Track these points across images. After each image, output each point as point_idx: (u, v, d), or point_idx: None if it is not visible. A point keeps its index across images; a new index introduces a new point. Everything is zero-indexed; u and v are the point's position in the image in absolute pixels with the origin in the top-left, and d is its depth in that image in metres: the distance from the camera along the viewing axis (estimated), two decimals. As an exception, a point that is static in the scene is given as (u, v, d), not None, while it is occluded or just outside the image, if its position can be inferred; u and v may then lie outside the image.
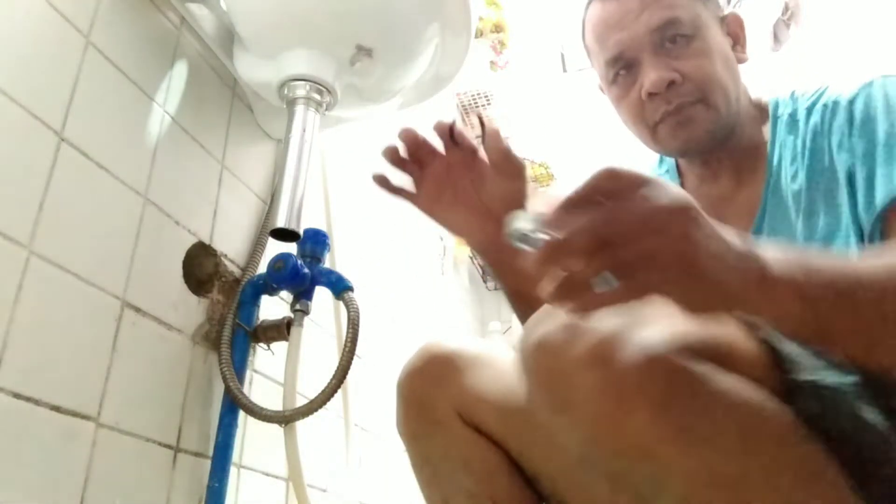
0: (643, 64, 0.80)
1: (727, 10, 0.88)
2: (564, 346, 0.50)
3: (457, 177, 0.73)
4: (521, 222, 0.47)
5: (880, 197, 0.67)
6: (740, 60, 0.85)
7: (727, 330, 0.52)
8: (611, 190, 0.44)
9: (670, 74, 0.78)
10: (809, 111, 0.78)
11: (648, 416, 0.47)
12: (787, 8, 2.36)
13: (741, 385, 0.49)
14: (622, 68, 0.82)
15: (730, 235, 0.48)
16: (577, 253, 0.43)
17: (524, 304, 0.76)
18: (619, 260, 0.44)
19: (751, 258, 0.48)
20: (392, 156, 0.71)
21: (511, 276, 0.76)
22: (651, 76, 0.78)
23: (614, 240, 0.43)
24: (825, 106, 0.77)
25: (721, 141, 0.81)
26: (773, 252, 0.49)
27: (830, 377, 0.51)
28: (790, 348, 0.52)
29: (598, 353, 0.48)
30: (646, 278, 0.44)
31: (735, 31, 0.86)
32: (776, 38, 2.38)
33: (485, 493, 0.73)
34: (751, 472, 0.46)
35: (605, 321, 0.49)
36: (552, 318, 0.52)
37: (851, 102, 0.74)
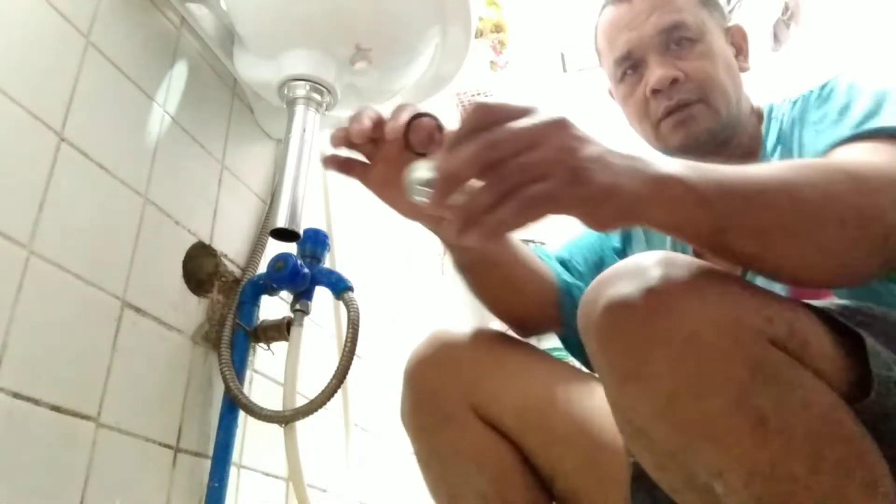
0: (649, 63, 0.84)
1: (731, 20, 0.91)
2: (643, 315, 0.49)
3: (409, 160, 0.68)
4: (416, 173, 0.50)
5: (821, 147, 0.67)
6: (742, 69, 0.88)
7: (806, 316, 0.52)
8: (486, 122, 0.46)
9: (674, 73, 0.81)
10: (794, 105, 0.81)
11: (728, 401, 0.46)
12: (787, 8, 2.35)
13: (817, 384, 0.49)
14: (629, 67, 0.86)
15: (615, 146, 0.49)
16: (465, 181, 0.45)
17: (473, 276, 0.78)
18: (504, 179, 0.45)
19: (641, 162, 0.48)
20: (342, 141, 0.65)
21: (462, 252, 0.76)
22: (656, 73, 0.82)
23: (496, 161, 0.45)
24: (804, 98, 0.79)
25: (721, 142, 0.83)
26: (664, 160, 0.50)
27: None
28: (871, 340, 0.51)
29: (683, 328, 0.48)
30: (535, 192, 0.45)
31: (738, 42, 0.89)
32: (776, 38, 2.38)
33: (497, 493, 0.71)
34: (815, 474, 0.46)
35: (690, 288, 0.49)
36: (626, 280, 0.51)
37: (822, 88, 0.77)
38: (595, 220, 0.48)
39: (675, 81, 0.81)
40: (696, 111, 0.81)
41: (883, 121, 0.64)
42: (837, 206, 0.53)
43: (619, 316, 0.50)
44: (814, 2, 2.30)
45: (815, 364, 0.50)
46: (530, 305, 0.81)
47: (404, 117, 0.60)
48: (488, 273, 0.77)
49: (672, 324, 0.48)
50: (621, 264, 0.53)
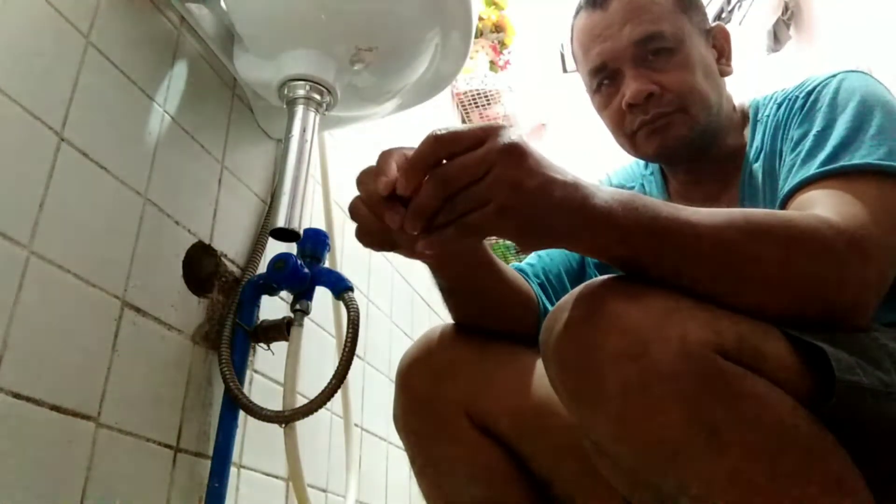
0: (625, 75, 0.81)
1: (713, 23, 0.88)
2: (595, 335, 0.50)
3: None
4: None
5: (788, 187, 0.67)
6: (724, 73, 0.85)
7: (760, 326, 0.52)
8: (438, 155, 0.50)
9: (649, 87, 0.79)
10: (779, 107, 0.79)
11: (679, 416, 0.47)
12: (787, 8, 2.36)
13: (772, 391, 0.49)
14: (605, 78, 0.83)
15: (561, 174, 0.51)
16: (431, 213, 0.50)
17: (456, 300, 0.77)
18: (452, 211, 0.49)
19: (578, 193, 0.51)
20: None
21: (444, 276, 0.75)
22: (631, 87, 0.80)
23: (449, 196, 0.49)
24: (789, 99, 0.77)
25: (699, 149, 0.82)
26: (603, 193, 0.52)
27: (868, 378, 0.51)
28: (830, 348, 0.51)
29: (630, 348, 0.48)
30: (470, 220, 0.49)
31: (720, 44, 0.86)
32: (776, 38, 2.38)
33: (492, 500, 0.71)
34: (775, 480, 0.46)
35: (638, 308, 0.50)
36: (578, 305, 0.52)
37: (809, 94, 0.74)
38: (524, 245, 0.53)
39: (650, 95, 0.79)
40: (672, 120, 0.80)
41: (857, 155, 0.63)
42: (793, 273, 0.53)
43: (571, 341, 0.51)
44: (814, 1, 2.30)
45: (770, 372, 0.49)
46: (512, 327, 0.79)
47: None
48: (471, 298, 0.76)
49: (620, 344, 0.48)
50: (575, 290, 0.55)
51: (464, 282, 0.74)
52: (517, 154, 0.49)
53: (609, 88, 0.83)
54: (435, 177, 0.50)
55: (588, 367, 0.50)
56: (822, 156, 0.65)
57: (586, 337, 0.50)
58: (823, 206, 0.59)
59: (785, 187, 0.67)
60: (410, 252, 0.55)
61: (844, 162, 0.63)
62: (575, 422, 0.54)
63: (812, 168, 0.65)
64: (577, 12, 0.87)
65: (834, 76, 0.74)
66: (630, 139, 0.84)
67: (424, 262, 0.71)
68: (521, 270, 0.86)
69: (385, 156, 0.54)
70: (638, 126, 0.81)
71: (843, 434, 0.49)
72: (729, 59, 0.86)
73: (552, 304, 0.83)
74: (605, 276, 0.54)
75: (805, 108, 0.73)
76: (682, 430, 0.46)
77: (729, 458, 0.46)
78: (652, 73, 0.80)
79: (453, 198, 0.49)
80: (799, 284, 0.54)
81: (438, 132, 0.50)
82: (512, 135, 0.50)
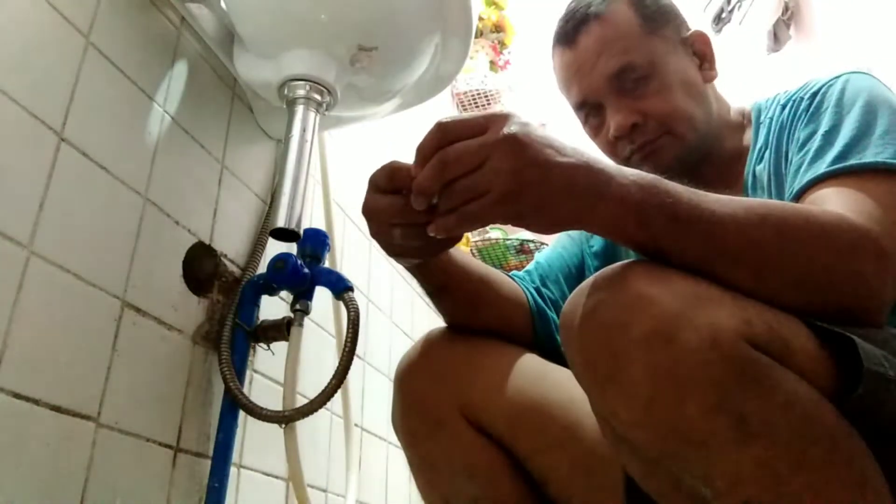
0: (607, 107, 0.83)
1: (689, 29, 0.87)
2: (622, 320, 0.49)
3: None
4: None
5: (798, 185, 0.67)
6: (708, 79, 0.85)
7: (786, 317, 0.52)
8: (443, 141, 0.52)
9: (631, 118, 0.81)
10: (783, 108, 0.79)
11: (706, 405, 0.46)
12: (787, 8, 2.36)
13: (799, 382, 0.49)
14: (589, 112, 0.86)
15: (568, 154, 0.51)
16: (431, 194, 0.53)
17: (441, 301, 0.79)
18: (451, 198, 0.51)
19: (588, 175, 0.52)
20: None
21: (425, 278, 0.76)
22: (614, 120, 0.82)
23: (449, 179, 0.51)
24: (794, 101, 0.77)
25: (695, 162, 0.83)
26: (618, 172, 0.53)
27: (893, 371, 0.50)
28: (859, 339, 0.51)
29: (660, 332, 0.47)
30: (471, 209, 0.51)
31: (701, 50, 0.86)
32: (776, 38, 2.38)
33: (489, 499, 0.71)
34: (800, 472, 0.46)
35: (667, 291, 0.49)
36: (603, 289, 0.51)
37: (814, 95, 0.75)
38: (532, 229, 0.53)
39: (634, 125, 0.80)
40: (661, 143, 0.81)
41: (867, 154, 0.63)
42: (804, 261, 0.54)
43: (597, 324, 0.51)
44: (814, 2, 2.30)
45: (797, 364, 0.49)
46: (503, 325, 0.80)
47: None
48: (457, 298, 0.78)
49: (649, 328, 0.48)
50: (598, 274, 0.54)
51: (447, 283, 0.76)
52: (516, 145, 0.50)
53: (595, 120, 0.85)
54: (434, 161, 0.52)
55: (614, 351, 0.49)
56: (831, 155, 0.65)
57: (613, 319, 0.49)
58: (836, 204, 0.59)
59: (794, 186, 0.67)
60: (423, 251, 0.58)
61: (854, 161, 0.63)
62: (594, 406, 0.54)
63: (822, 167, 0.65)
64: (553, 48, 0.88)
65: (838, 77, 0.74)
66: (625, 163, 0.85)
67: (406, 266, 0.73)
68: (516, 277, 0.87)
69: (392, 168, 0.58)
70: (630, 154, 0.83)
71: (864, 427, 0.49)
72: (712, 63, 0.86)
73: (547, 307, 0.84)
74: (627, 260, 0.54)
75: (811, 109, 0.73)
76: (710, 419, 0.46)
77: (755, 449, 0.46)
78: (632, 101, 0.81)
79: (452, 184, 0.51)
80: (817, 278, 0.54)
81: (443, 120, 0.52)
82: (514, 125, 0.51)
